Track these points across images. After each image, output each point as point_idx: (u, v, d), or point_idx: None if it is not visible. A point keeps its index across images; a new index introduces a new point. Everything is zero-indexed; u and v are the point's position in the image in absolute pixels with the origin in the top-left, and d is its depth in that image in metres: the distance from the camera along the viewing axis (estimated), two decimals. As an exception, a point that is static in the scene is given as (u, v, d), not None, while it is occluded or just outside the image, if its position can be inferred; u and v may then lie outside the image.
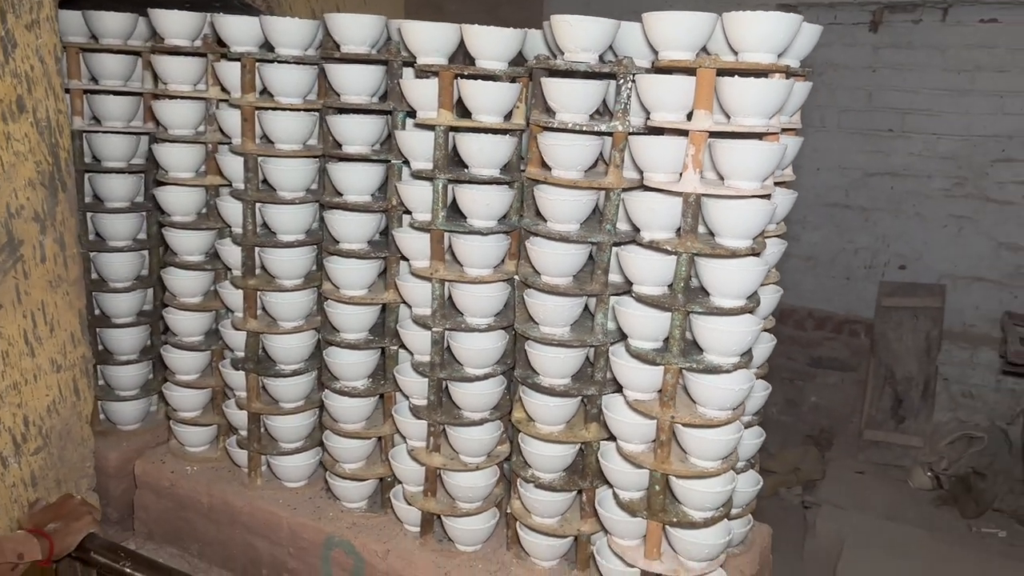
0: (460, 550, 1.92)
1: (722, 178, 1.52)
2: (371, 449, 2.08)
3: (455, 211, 1.79)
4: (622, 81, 1.57)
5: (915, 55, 4.82)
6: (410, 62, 1.82)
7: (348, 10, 1.84)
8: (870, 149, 5.04)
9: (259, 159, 1.97)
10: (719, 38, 1.55)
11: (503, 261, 1.81)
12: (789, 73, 1.55)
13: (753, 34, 1.45)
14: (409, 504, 1.94)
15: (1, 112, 1.85)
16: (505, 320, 1.82)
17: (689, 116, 1.50)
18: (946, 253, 4.91)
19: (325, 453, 2.09)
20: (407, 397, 1.94)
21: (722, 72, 1.48)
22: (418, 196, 1.80)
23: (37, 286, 1.98)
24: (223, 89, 2.05)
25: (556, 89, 1.60)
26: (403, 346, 1.93)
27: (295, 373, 2.08)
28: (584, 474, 1.79)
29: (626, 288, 1.67)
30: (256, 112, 1.95)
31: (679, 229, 1.54)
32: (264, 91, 1.96)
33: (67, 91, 2.16)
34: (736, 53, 1.51)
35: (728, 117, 1.51)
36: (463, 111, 1.75)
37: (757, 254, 1.55)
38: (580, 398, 1.78)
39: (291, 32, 1.88)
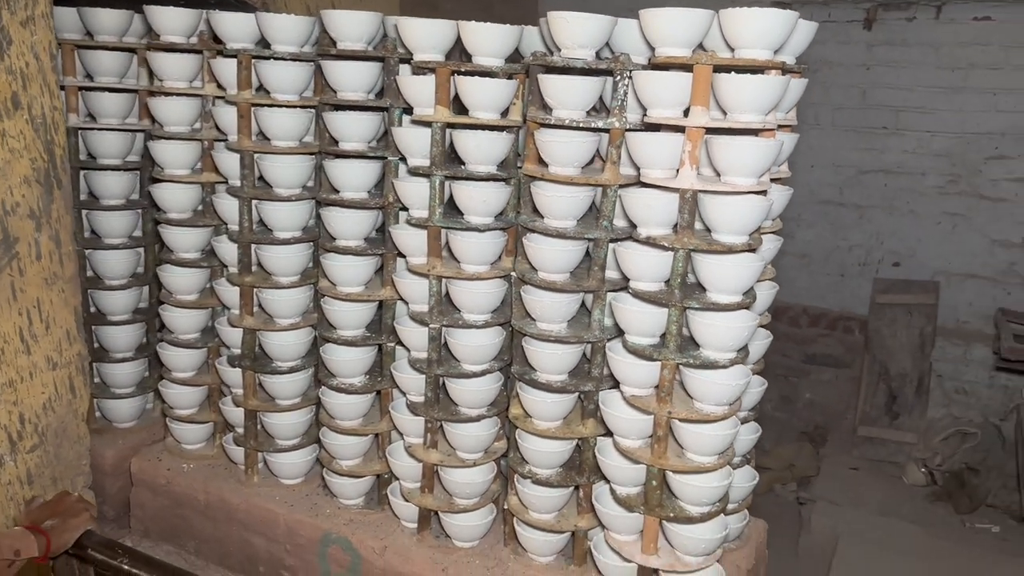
0: (457, 546, 1.93)
1: (719, 174, 1.53)
2: (368, 446, 2.08)
3: (452, 208, 1.80)
4: (619, 78, 1.57)
5: (909, 53, 4.84)
6: (407, 59, 1.82)
7: (344, 7, 1.84)
8: (864, 146, 5.06)
9: (255, 156, 1.97)
10: (715, 35, 1.55)
11: (500, 257, 1.82)
12: (785, 70, 1.56)
13: (750, 31, 1.46)
14: (406, 500, 1.94)
15: (-4, 109, 1.84)
16: (502, 316, 1.82)
17: (686, 112, 1.50)
18: (940, 250, 4.94)
19: (322, 450, 2.09)
20: (404, 394, 1.94)
21: (718, 68, 1.48)
22: (415, 193, 1.80)
23: (32, 283, 1.98)
24: (219, 86, 2.05)
25: (553, 86, 1.61)
26: (400, 343, 1.94)
27: (292, 370, 2.08)
28: (581, 470, 1.79)
29: (623, 284, 1.67)
30: (252, 109, 1.94)
31: (676, 225, 1.54)
32: (260, 88, 1.96)
33: (62, 88, 2.16)
34: (732, 50, 1.52)
35: (724, 113, 1.51)
36: (460, 108, 1.75)
37: (753, 250, 1.56)
38: (577, 394, 1.78)
39: (287, 29, 1.88)
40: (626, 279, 1.65)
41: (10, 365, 1.94)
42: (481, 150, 1.71)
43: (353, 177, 1.88)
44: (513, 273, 1.80)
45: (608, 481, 1.74)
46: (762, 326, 1.83)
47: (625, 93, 1.58)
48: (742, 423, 1.80)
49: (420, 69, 1.77)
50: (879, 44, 4.91)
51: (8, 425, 1.94)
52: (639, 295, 1.61)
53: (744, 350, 1.60)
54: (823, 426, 4.99)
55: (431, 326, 1.81)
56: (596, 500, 1.75)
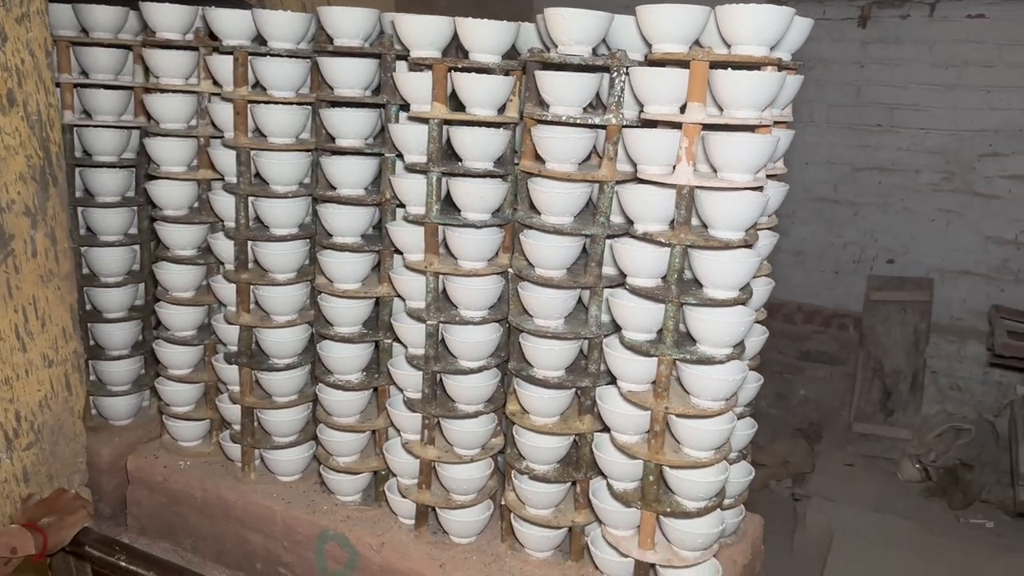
0: (455, 542, 1.93)
1: (715, 170, 1.53)
2: (365, 442, 2.08)
3: (449, 204, 1.80)
4: (616, 74, 1.57)
5: (903, 50, 4.86)
6: (403, 55, 1.82)
7: (341, 3, 1.84)
8: (858, 144, 5.07)
9: (252, 153, 1.97)
10: (712, 31, 1.56)
11: (497, 254, 1.82)
12: (781, 66, 1.56)
13: (746, 27, 1.46)
14: (403, 497, 1.95)
15: (-9, 105, 1.84)
16: (499, 313, 1.82)
17: (682, 109, 1.51)
18: (934, 247, 4.96)
19: (319, 447, 2.09)
20: (401, 390, 1.94)
21: (715, 65, 1.48)
22: (412, 189, 1.80)
23: (28, 281, 1.97)
24: (215, 83, 2.05)
25: (550, 82, 1.61)
26: (397, 339, 1.94)
27: (288, 367, 2.08)
28: (578, 465, 1.80)
29: (620, 280, 1.67)
30: (249, 106, 1.94)
31: (673, 221, 1.54)
32: (256, 85, 1.96)
33: (58, 85, 2.15)
34: (729, 46, 1.52)
35: (721, 110, 1.52)
36: (457, 104, 1.75)
37: (750, 246, 1.56)
38: (574, 390, 1.79)
39: (284, 25, 1.88)
40: (623, 275, 1.65)
41: (6, 363, 1.93)
42: (478, 147, 1.71)
43: (350, 174, 1.88)
44: (510, 269, 1.80)
45: (605, 477, 1.75)
46: (758, 322, 1.83)
47: (622, 89, 1.58)
48: (738, 419, 1.81)
49: (417, 66, 1.77)
50: (873, 41, 4.93)
51: (4, 423, 1.94)
52: (636, 291, 1.61)
53: (740, 346, 1.61)
54: (818, 423, 5.01)
55: (428, 322, 1.81)
56: (593, 496, 1.76)
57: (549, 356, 1.73)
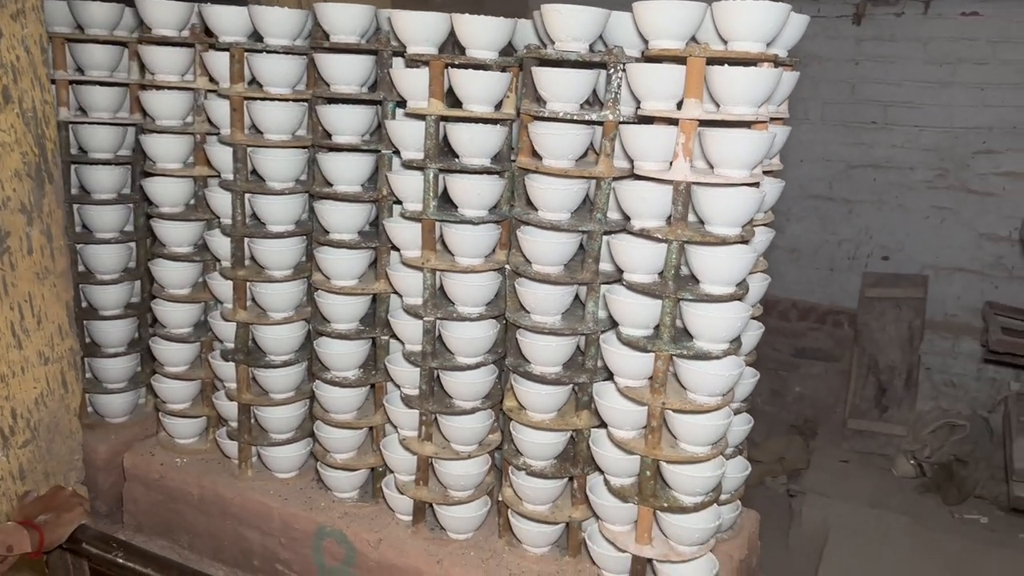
0: (452, 538, 1.93)
1: (712, 166, 1.54)
2: (362, 439, 2.08)
3: (446, 201, 1.80)
4: (612, 70, 1.58)
5: (897, 48, 4.87)
6: (400, 52, 1.82)
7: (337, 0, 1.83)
8: (853, 141, 5.09)
9: (248, 149, 1.96)
10: (708, 27, 1.56)
11: (494, 250, 1.82)
12: (777, 62, 1.57)
13: (743, 23, 1.47)
14: (401, 493, 1.95)
15: (-13, 102, 1.84)
16: (496, 309, 1.82)
17: (679, 105, 1.51)
18: (928, 244, 4.98)
19: (316, 443, 2.09)
20: (398, 387, 1.95)
21: (712, 61, 1.49)
22: (409, 186, 1.80)
23: (24, 278, 1.97)
24: (211, 79, 2.04)
25: (547, 78, 1.61)
26: (394, 336, 1.94)
27: (285, 364, 2.08)
28: (575, 461, 1.80)
29: (617, 276, 1.68)
30: (245, 102, 1.94)
31: (670, 217, 1.55)
32: (253, 81, 1.96)
33: (53, 82, 2.15)
34: (725, 42, 1.52)
35: (718, 106, 1.52)
36: (453, 101, 1.75)
37: (746, 242, 1.57)
38: (571, 386, 1.79)
39: (280, 22, 1.88)
40: (620, 271, 1.65)
41: (1, 360, 1.93)
42: (475, 143, 1.71)
43: (346, 170, 1.88)
44: (507, 266, 1.80)
45: (602, 472, 1.75)
46: (754, 318, 1.84)
47: (619, 86, 1.58)
48: (735, 414, 1.81)
49: (414, 62, 1.77)
50: (868, 39, 4.94)
51: (0, 420, 1.94)
52: (633, 287, 1.61)
53: (737, 341, 1.61)
54: (813, 419, 5.03)
55: (425, 319, 1.81)
56: (590, 491, 1.76)
57: (546, 352, 1.73)
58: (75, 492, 1.89)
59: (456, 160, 1.75)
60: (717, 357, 1.58)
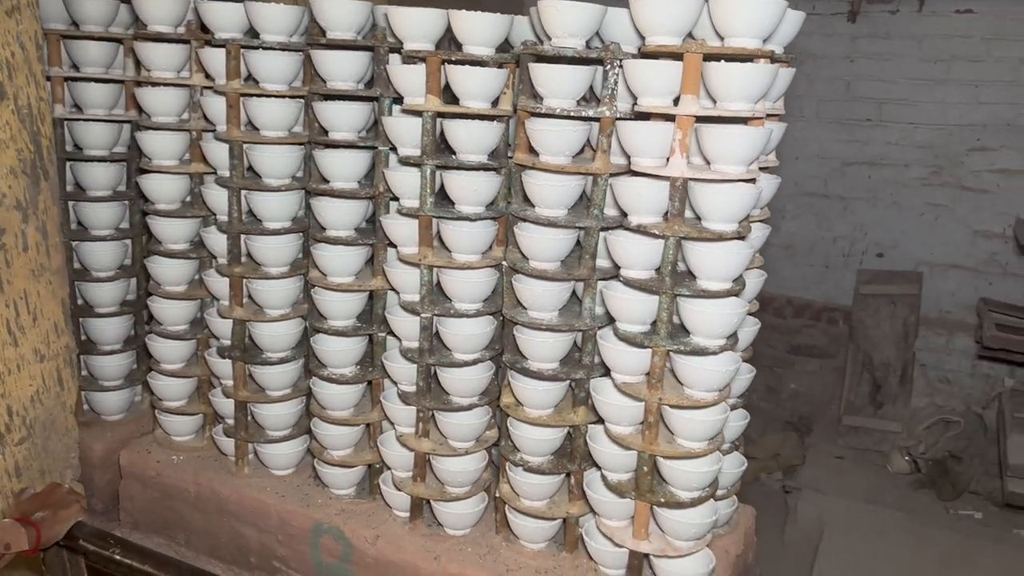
0: (450, 534, 1.93)
1: (708, 163, 1.54)
2: (359, 436, 2.08)
3: (443, 197, 1.80)
4: (609, 67, 1.58)
5: (892, 45, 4.89)
6: (396, 48, 1.82)
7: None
8: (848, 138, 5.10)
9: (244, 146, 1.96)
10: (705, 23, 1.56)
11: (491, 247, 1.82)
12: (774, 59, 1.57)
13: (739, 19, 1.47)
14: (398, 490, 1.95)
15: (-18, 99, 1.83)
16: (493, 306, 1.83)
17: (676, 101, 1.51)
18: (923, 241, 4.99)
19: (313, 440, 2.09)
20: (395, 383, 1.95)
21: (708, 57, 1.49)
22: (405, 182, 1.80)
23: (19, 275, 1.97)
24: (207, 76, 2.04)
25: (543, 75, 1.61)
26: (391, 333, 1.94)
27: (282, 361, 2.08)
28: (572, 457, 1.81)
29: (614, 273, 1.68)
30: (241, 99, 1.94)
31: (666, 213, 1.55)
32: (249, 78, 1.96)
33: (48, 78, 2.14)
34: (722, 38, 1.53)
35: (714, 102, 1.52)
36: (450, 97, 1.75)
37: (743, 238, 1.57)
38: (568, 382, 1.79)
39: (276, 18, 1.88)
40: (617, 267, 1.66)
41: (-2, 357, 1.93)
42: (472, 139, 1.71)
43: (343, 167, 1.88)
44: (504, 262, 1.81)
45: (599, 468, 1.76)
46: (751, 313, 1.84)
47: (615, 82, 1.59)
48: (731, 410, 1.82)
49: (410, 58, 1.77)
50: (863, 36, 4.96)
51: (-4, 417, 1.94)
52: (630, 283, 1.62)
53: (733, 337, 1.62)
54: (808, 416, 5.04)
55: (422, 316, 1.81)
56: (587, 487, 1.77)
57: (543, 348, 1.74)
58: (72, 489, 1.89)
59: (453, 156, 1.75)
60: (714, 353, 1.58)
